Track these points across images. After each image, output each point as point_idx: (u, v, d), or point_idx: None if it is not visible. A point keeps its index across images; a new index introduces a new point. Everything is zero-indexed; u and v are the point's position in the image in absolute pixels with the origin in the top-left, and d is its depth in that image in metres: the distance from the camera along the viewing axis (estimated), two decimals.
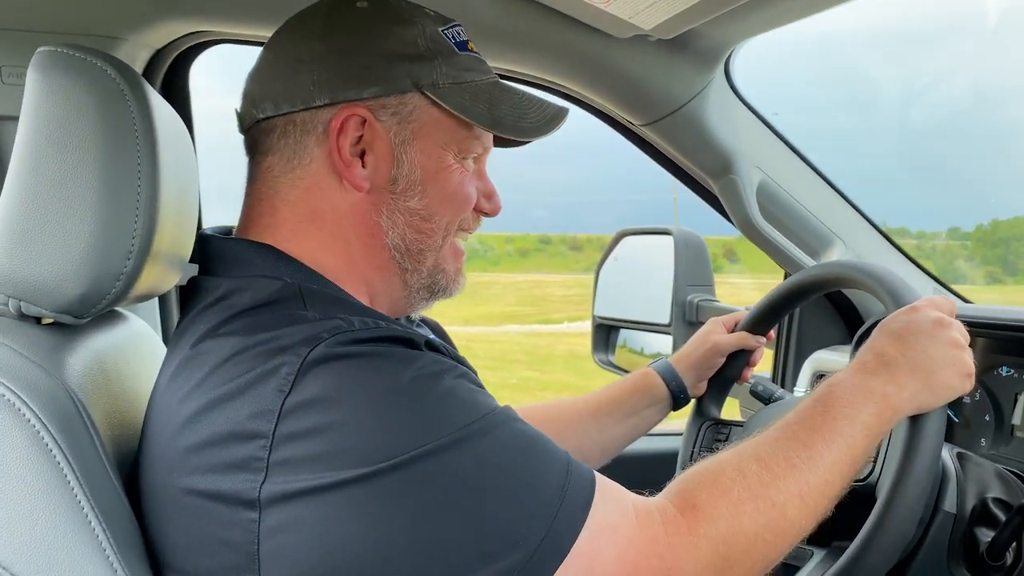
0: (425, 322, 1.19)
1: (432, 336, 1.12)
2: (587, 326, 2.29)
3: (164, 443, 0.78)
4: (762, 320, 1.34)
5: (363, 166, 0.89)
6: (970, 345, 0.97)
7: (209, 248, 0.91)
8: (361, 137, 0.88)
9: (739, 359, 1.37)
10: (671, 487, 0.81)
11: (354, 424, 0.71)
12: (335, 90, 0.87)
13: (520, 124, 0.93)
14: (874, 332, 0.97)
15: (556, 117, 0.96)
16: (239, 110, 0.94)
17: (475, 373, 0.87)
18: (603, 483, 0.77)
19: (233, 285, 0.84)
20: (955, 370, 0.93)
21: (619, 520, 0.75)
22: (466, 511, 0.70)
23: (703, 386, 1.37)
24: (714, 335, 1.35)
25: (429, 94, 0.89)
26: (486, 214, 0.98)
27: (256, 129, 0.92)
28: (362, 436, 0.70)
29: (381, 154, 0.89)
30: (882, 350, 0.93)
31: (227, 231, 0.95)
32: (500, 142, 1.00)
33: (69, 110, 0.81)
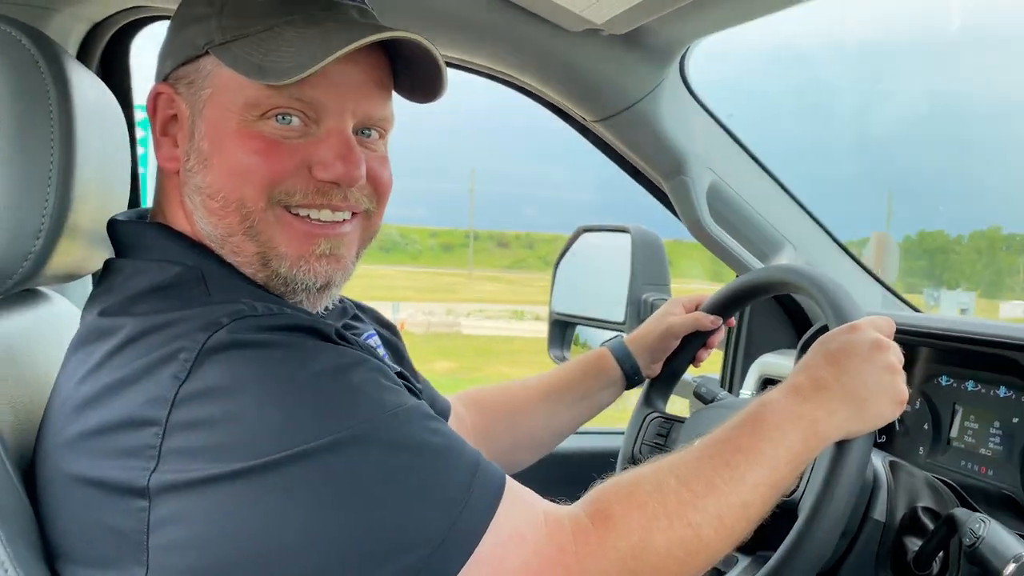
0: (366, 313, 1.14)
1: (375, 328, 1.09)
2: None
3: (58, 427, 0.75)
4: (715, 311, 1.33)
5: (176, 144, 0.86)
6: (911, 355, 0.96)
7: (114, 232, 0.89)
8: (176, 116, 0.85)
9: (694, 343, 1.34)
10: (586, 496, 0.79)
11: (251, 416, 0.68)
12: (158, 71, 0.87)
13: (283, 64, 0.77)
14: (811, 350, 0.95)
15: (340, 45, 0.77)
16: None
17: (408, 364, 0.84)
18: (513, 488, 0.75)
19: (134, 268, 0.82)
20: (887, 397, 0.91)
21: (527, 528, 0.73)
22: (361, 508, 0.68)
23: (657, 367, 1.34)
24: (670, 317, 1.32)
25: (214, 54, 0.81)
26: (331, 183, 0.83)
27: None
28: (257, 429, 0.68)
29: (183, 129, 0.85)
30: (816, 372, 0.91)
31: (143, 214, 0.93)
32: (408, 94, 0.91)
33: None
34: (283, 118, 0.81)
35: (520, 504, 0.74)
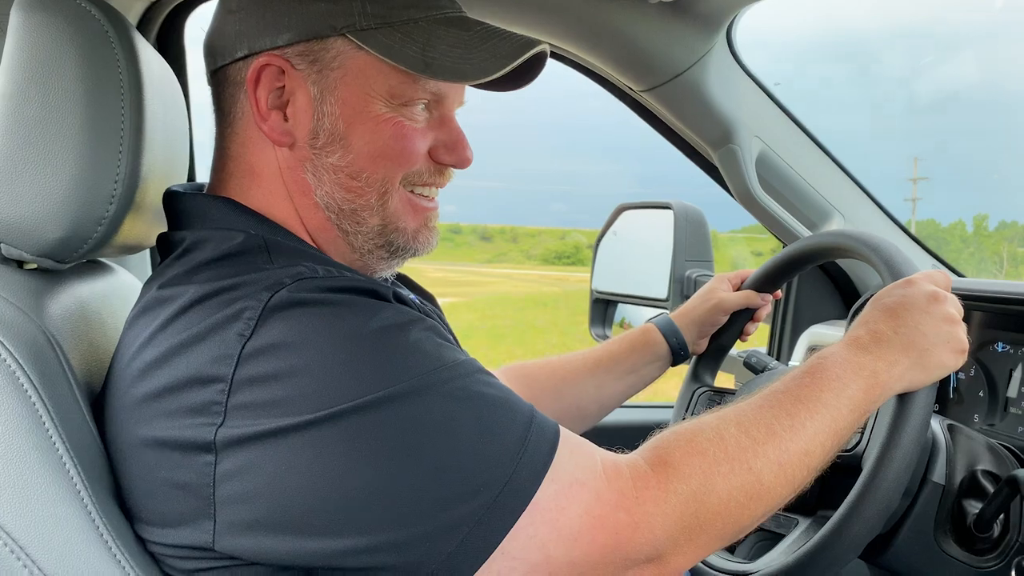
0: (404, 282, 1.15)
1: (407, 291, 1.10)
2: None
3: (120, 393, 0.77)
4: (763, 285, 1.33)
5: (285, 119, 0.85)
6: (965, 320, 0.95)
7: (173, 204, 0.89)
8: (284, 88, 0.84)
9: (742, 318, 1.35)
10: (646, 444, 0.80)
11: (314, 369, 0.70)
12: (252, 39, 0.84)
13: (460, 66, 0.82)
14: (868, 305, 0.95)
15: (511, 55, 0.82)
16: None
17: (451, 333, 0.85)
18: (569, 437, 0.76)
19: (196, 237, 0.83)
20: (948, 347, 0.91)
21: (586, 475, 0.74)
22: (424, 457, 0.69)
23: (704, 343, 1.35)
24: (719, 292, 1.33)
25: (352, 37, 0.82)
26: (450, 166, 0.90)
27: (211, 83, 0.90)
28: (322, 381, 0.69)
29: (301, 106, 0.84)
30: (875, 326, 0.91)
31: (199, 188, 0.93)
32: (482, 84, 0.92)
33: (52, 50, 0.79)
34: (413, 105, 0.85)
35: (577, 452, 0.75)
